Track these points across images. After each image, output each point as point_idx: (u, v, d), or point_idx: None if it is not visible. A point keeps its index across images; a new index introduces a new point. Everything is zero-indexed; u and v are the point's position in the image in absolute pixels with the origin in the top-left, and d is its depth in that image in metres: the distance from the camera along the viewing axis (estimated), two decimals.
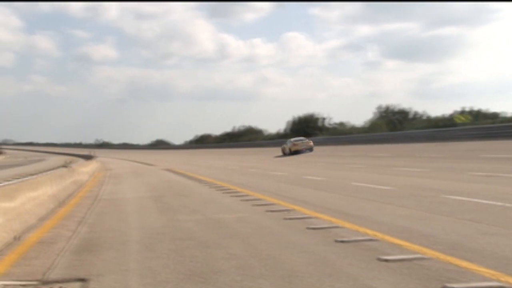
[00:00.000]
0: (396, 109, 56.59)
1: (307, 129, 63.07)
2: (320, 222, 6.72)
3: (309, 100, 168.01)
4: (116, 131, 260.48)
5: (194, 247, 5.50)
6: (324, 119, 65.78)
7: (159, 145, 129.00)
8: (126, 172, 25.20)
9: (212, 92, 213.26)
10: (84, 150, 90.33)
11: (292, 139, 38.39)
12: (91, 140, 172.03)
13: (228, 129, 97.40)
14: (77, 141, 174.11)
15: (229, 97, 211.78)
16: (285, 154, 36.92)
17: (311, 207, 8.24)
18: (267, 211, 8.14)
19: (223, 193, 11.69)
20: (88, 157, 41.68)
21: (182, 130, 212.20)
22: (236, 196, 10.79)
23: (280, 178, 15.74)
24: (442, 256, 4.48)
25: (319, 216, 7.20)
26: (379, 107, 57.87)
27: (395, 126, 50.85)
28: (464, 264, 4.21)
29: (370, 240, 5.36)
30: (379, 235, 5.54)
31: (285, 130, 69.75)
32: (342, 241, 5.34)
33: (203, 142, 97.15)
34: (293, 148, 36.26)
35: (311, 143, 37.01)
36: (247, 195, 10.75)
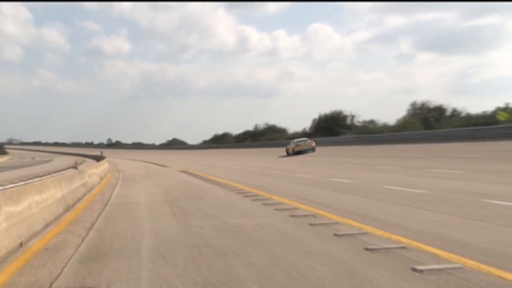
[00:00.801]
0: (431, 106, 55.62)
1: (334, 127, 62.74)
2: (348, 228, 6.67)
3: (336, 96, 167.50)
4: (128, 130, 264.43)
5: (211, 255, 5.50)
6: (352, 116, 65.35)
7: (174, 144, 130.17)
8: (139, 174, 25.46)
9: (231, 88, 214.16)
10: (95, 150, 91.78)
11: (295, 140, 42.85)
12: (101, 140, 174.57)
13: (248, 127, 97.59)
14: (87, 140, 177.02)
15: (250, 93, 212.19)
16: (288, 154, 40.76)
17: (338, 212, 8.18)
18: (290, 216, 8.11)
19: (243, 196, 11.69)
20: (98, 158, 42.28)
21: (199, 128, 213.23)
22: (257, 199, 10.79)
23: (305, 180, 15.66)
24: (483, 267, 4.38)
25: (347, 222, 7.16)
26: (413, 104, 56.97)
27: (430, 124, 50.11)
28: (508, 276, 4.11)
29: (403, 248, 5.28)
30: (413, 243, 5.46)
31: (310, 128, 69.54)
32: (372, 249, 5.29)
33: (221, 141, 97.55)
34: (296, 149, 40.16)
35: (313, 144, 40.79)
36: (268, 199, 10.74)
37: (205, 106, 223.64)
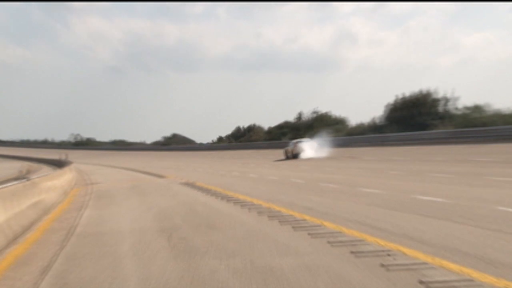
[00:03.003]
0: None
1: (418, 116, 62.08)
2: (443, 273, 6.54)
3: (423, 69, 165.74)
4: (107, 122, 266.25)
5: None
6: (447, 100, 64.41)
7: (174, 143, 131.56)
8: (121, 188, 25.70)
9: (262, 58, 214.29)
10: (55, 152, 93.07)
11: (294, 141, 52.85)
12: (66, 137, 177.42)
13: (288, 117, 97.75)
14: (45, 137, 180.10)
15: (291, 65, 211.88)
16: (287, 157, 50.88)
17: (428, 248, 8.07)
18: (352, 253, 8.07)
19: (278, 222, 11.59)
20: (61, 164, 42.87)
21: (213, 119, 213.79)
22: (300, 227, 10.71)
23: (372, 197, 15.48)
24: None
25: (444, 264, 7.04)
26: None
27: None
28: None
29: None
30: None
31: (381, 118, 69.14)
32: None
33: (247, 138, 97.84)
34: (294, 151, 49.74)
35: (315, 145, 49.51)
36: (317, 226, 10.65)
37: (222, 85, 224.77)
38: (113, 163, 65.58)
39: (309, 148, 50.32)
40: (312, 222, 11.33)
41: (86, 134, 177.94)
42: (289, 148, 52.55)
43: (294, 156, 50.43)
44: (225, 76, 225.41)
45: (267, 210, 14.00)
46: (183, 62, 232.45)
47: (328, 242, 9.01)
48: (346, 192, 17.93)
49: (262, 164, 44.76)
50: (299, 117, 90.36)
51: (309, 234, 9.93)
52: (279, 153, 58.86)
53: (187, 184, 25.74)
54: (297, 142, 52.52)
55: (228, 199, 17.03)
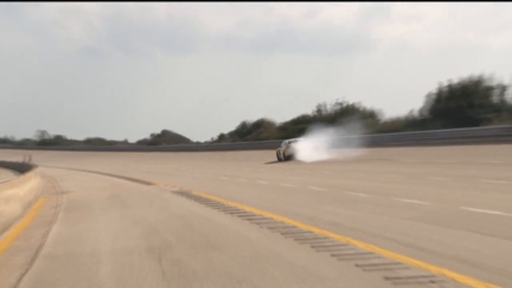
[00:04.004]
0: None
1: (468, 109, 61.76)
2: None
3: (473, 50, 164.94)
4: (79, 116, 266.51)
5: None
6: (504, 88, 64.04)
7: (164, 143, 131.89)
8: (98, 198, 25.78)
9: (274, 36, 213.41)
10: (15, 153, 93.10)
11: (287, 141, 58.02)
12: (28, 134, 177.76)
13: (305, 110, 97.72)
14: (2, 135, 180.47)
15: (310, 45, 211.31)
16: (279, 159, 56.33)
17: (482, 273, 8.05)
18: (386, 278, 8.08)
19: (294, 240, 11.57)
20: (22, 167, 42.90)
21: (213, 113, 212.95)
22: (321, 246, 10.70)
23: (412, 209, 15.45)
24: None
25: None
26: None
27: None
28: None
29: None
30: None
31: (422, 111, 68.89)
32: None
33: (257, 136, 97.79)
34: (287, 152, 55.10)
35: (310, 146, 52.78)
36: (343, 245, 10.67)
37: (224, 70, 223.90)
38: (88, 167, 65.66)
39: (304, 149, 53.39)
40: (336, 241, 11.31)
41: (54, 131, 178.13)
42: (281, 149, 57.71)
43: (287, 158, 55.40)
44: (227, 59, 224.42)
45: (281, 225, 13.99)
46: (176, 41, 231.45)
47: (357, 265, 8.97)
48: (379, 202, 17.90)
49: (274, 168, 44.80)
50: (320, 109, 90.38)
51: (333, 255, 9.90)
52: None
53: (181, 192, 25.82)
54: (290, 142, 57.37)
55: (232, 211, 17.10)
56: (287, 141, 58.66)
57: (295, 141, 57.43)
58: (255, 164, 54.24)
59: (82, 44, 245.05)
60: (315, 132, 57.79)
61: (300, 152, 53.47)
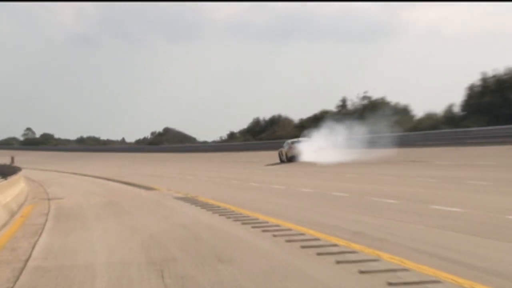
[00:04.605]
0: None
1: None
2: None
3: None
4: (71, 113, 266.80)
5: None
6: None
7: (166, 142, 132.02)
8: (92, 205, 25.83)
9: (291, 22, 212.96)
10: None
11: (290, 141, 60.64)
12: (12, 133, 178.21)
13: (326, 105, 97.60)
14: None
15: (330, 32, 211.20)
16: (281, 161, 58.68)
17: None
18: None
19: (317, 255, 11.52)
20: (4, 171, 42.93)
21: (222, 109, 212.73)
22: (341, 259, 10.70)
23: (448, 218, 15.42)
24: None
25: None
26: None
27: None
28: None
29: None
30: None
31: (460, 107, 68.55)
32: None
33: (272, 135, 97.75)
34: (290, 153, 57.66)
35: (315, 146, 55.03)
36: (368, 259, 10.64)
37: (234, 60, 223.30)
38: (80, 170, 65.69)
39: (308, 149, 55.39)
40: (362, 253, 11.30)
41: (41, 129, 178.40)
42: (284, 149, 59.84)
43: (289, 159, 57.69)
44: (238, 48, 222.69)
45: (299, 235, 13.98)
46: (179, 28, 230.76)
47: (388, 283, 8.92)
48: (410, 210, 17.86)
49: (291, 170, 44.75)
50: (343, 104, 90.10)
51: (359, 271, 9.86)
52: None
53: (186, 199, 25.85)
54: (293, 142, 59.62)
55: (243, 220, 17.09)
56: (289, 141, 60.69)
57: (299, 141, 59.32)
58: (269, 166, 54.16)
59: (73, 31, 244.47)
60: (326, 130, 58.28)
61: (305, 153, 55.11)
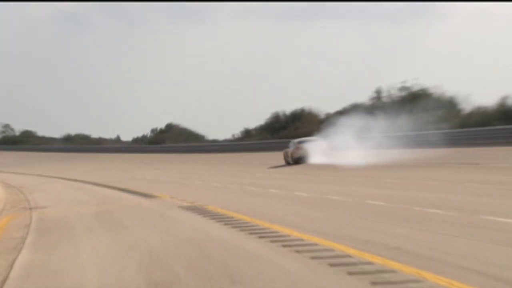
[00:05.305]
0: None
1: None
2: None
3: None
4: (57, 105, 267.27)
5: None
6: None
7: (172, 140, 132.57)
8: (81, 215, 25.96)
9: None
10: None
11: (296, 140, 62.70)
12: None
13: (359, 96, 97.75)
14: None
15: (361, 10, 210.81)
16: (287, 163, 60.39)
17: None
18: None
19: (347, 274, 11.53)
20: None
21: (235, 102, 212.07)
22: (377, 280, 10.73)
23: (505, 232, 15.34)
24: None
25: None
26: None
27: None
28: None
29: None
30: None
31: None
32: None
33: (294, 132, 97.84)
34: (296, 154, 59.41)
35: (324, 146, 57.71)
36: (409, 279, 10.64)
37: (249, 44, 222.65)
38: (68, 173, 65.83)
39: (317, 150, 57.56)
40: (402, 273, 11.30)
41: (21, 126, 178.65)
42: (289, 150, 61.92)
43: (296, 161, 59.50)
44: (253, 29, 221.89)
45: (327, 251, 13.98)
46: (185, 7, 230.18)
47: None
48: (458, 221, 17.82)
49: (314, 174, 44.72)
50: (378, 95, 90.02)
51: None
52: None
53: (193, 208, 25.84)
54: (299, 142, 61.77)
55: (262, 233, 17.07)
56: (296, 140, 62.58)
57: (307, 141, 61.26)
58: (290, 169, 54.14)
59: (59, 9, 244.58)
60: (350, 127, 57.77)
61: (314, 154, 56.95)
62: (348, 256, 13.37)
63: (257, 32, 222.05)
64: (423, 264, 12.01)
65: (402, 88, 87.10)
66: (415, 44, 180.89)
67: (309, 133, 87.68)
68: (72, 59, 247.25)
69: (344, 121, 60.64)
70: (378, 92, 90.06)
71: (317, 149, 57.09)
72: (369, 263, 12.48)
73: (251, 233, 17.76)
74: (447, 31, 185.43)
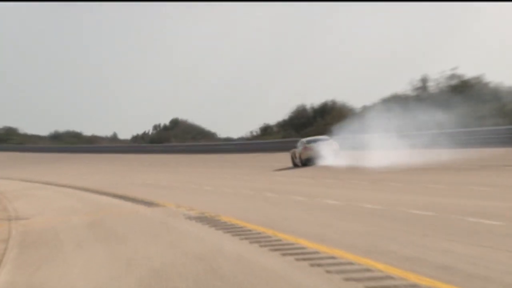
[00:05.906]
0: None
1: None
2: None
3: None
4: (44, 99, 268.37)
5: None
6: None
7: (178, 138, 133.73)
8: (71, 227, 25.99)
9: None
10: None
11: (304, 140, 65.75)
12: None
13: (399, 86, 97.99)
14: None
15: None
16: (295, 164, 64.04)
17: None
18: None
19: None
20: None
21: (251, 95, 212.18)
22: None
23: None
24: None
25: None
26: None
27: None
28: None
29: None
30: None
31: None
32: None
33: (321, 128, 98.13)
34: (305, 155, 62.50)
35: (336, 146, 61.89)
36: None
37: (267, 27, 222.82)
38: (56, 177, 66.32)
39: (328, 150, 61.05)
40: None
41: (1, 122, 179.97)
42: (297, 150, 65.00)
43: (304, 162, 62.81)
44: (274, 10, 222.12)
45: (363, 271, 13.82)
46: None
47: None
48: None
49: (343, 178, 44.68)
50: (423, 85, 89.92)
51: None
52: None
53: (202, 218, 25.85)
54: (309, 142, 64.74)
55: (283, 248, 16.95)
56: (304, 140, 65.67)
57: (317, 140, 64.14)
58: (315, 172, 54.12)
59: None
60: (377, 123, 58.07)
61: (325, 155, 59.75)
62: (389, 277, 13.17)
63: (278, 12, 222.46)
64: (477, 286, 11.82)
65: (451, 77, 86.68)
66: (463, 24, 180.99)
67: (339, 129, 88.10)
68: (60, 43, 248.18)
69: (377, 115, 60.05)
70: (424, 80, 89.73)
71: (328, 150, 59.73)
72: (414, 285, 12.31)
73: (272, 249, 17.56)
74: (501, 10, 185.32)
